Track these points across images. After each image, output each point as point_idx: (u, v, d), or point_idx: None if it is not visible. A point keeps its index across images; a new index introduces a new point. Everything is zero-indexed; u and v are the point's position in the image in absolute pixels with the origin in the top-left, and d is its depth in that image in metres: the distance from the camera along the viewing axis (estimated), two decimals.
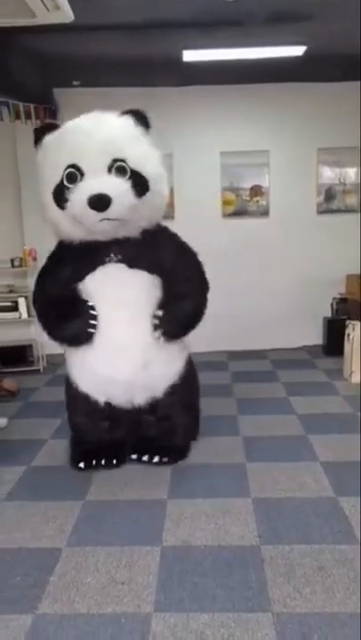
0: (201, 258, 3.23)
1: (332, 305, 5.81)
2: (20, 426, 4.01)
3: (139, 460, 3.27)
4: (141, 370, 3.11)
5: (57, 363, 5.02)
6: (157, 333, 3.09)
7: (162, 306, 3.11)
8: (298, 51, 4.48)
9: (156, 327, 3.08)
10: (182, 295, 3.13)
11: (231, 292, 5.57)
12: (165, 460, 3.24)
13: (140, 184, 2.87)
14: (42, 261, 3.32)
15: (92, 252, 3.02)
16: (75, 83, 5.23)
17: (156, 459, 3.25)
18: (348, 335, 4.91)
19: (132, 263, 3.05)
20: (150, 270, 3.09)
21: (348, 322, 5.04)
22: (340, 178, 5.79)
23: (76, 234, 2.96)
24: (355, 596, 2.09)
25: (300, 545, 2.43)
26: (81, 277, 3.08)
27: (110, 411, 3.22)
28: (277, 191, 5.79)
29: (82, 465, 3.20)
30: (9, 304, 5.47)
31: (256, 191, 5.81)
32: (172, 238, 3.24)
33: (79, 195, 2.77)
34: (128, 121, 2.96)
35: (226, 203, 5.82)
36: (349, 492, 2.87)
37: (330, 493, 2.88)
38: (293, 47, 4.42)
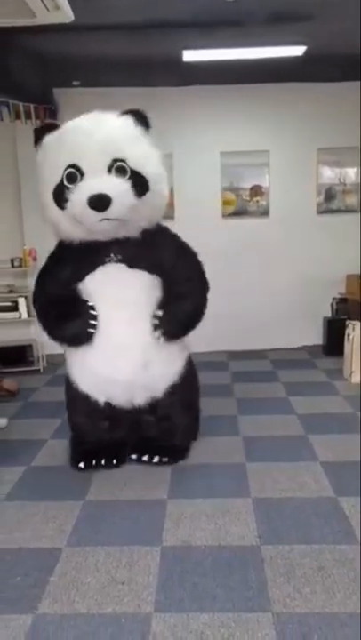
0: (201, 258, 3.23)
1: (332, 305, 5.81)
2: (20, 426, 4.02)
3: (138, 460, 3.27)
4: (141, 370, 3.11)
5: (57, 363, 5.02)
6: (157, 333, 3.09)
7: (162, 306, 3.11)
8: (298, 51, 4.48)
9: (156, 327, 3.08)
10: (182, 295, 3.13)
11: (231, 291, 5.57)
12: (165, 460, 3.25)
13: (140, 184, 2.87)
14: (42, 261, 3.32)
15: (92, 252, 3.02)
16: (75, 83, 5.23)
17: (155, 459, 3.25)
18: (348, 335, 4.91)
19: (131, 263, 3.05)
20: (150, 270, 3.09)
21: (348, 322, 5.04)
22: (340, 178, 5.79)
23: (75, 234, 2.96)
24: (355, 596, 2.09)
25: (301, 545, 2.43)
26: (81, 277, 3.08)
27: (110, 411, 3.22)
28: (277, 191, 5.79)
29: (82, 465, 3.20)
30: (9, 304, 5.47)
31: (256, 191, 5.81)
32: (172, 238, 3.24)
33: (79, 195, 2.77)
34: (128, 121, 2.96)
35: (226, 203, 5.82)
36: (349, 492, 2.87)
37: (330, 493, 2.88)
38: (293, 47, 4.42)
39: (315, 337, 5.90)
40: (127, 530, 2.61)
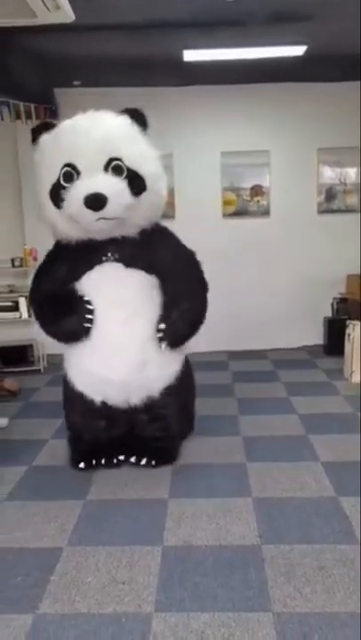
0: (201, 258, 3.22)
1: (332, 305, 5.81)
2: (21, 426, 4.02)
3: (126, 460, 3.24)
4: (137, 370, 3.09)
5: (58, 363, 4.98)
6: (163, 345, 3.09)
7: (163, 314, 3.09)
8: (298, 51, 4.48)
9: (161, 339, 3.08)
10: (182, 297, 3.11)
11: (232, 291, 5.57)
12: (153, 463, 3.21)
13: (136, 183, 2.87)
14: None
15: (90, 252, 3.01)
16: (75, 83, 5.24)
17: (143, 461, 3.22)
18: (349, 335, 4.91)
19: (128, 262, 3.04)
20: (147, 270, 3.08)
21: (348, 322, 5.04)
22: (340, 178, 5.79)
23: (72, 233, 2.96)
24: (355, 596, 2.09)
25: (301, 545, 2.43)
26: (78, 276, 3.08)
27: (106, 410, 3.20)
28: (278, 191, 5.79)
29: (82, 465, 3.20)
30: (9, 304, 5.47)
31: (257, 191, 5.81)
32: (171, 238, 3.23)
33: (75, 194, 2.77)
34: (125, 120, 2.95)
35: (226, 203, 5.82)
36: (350, 492, 2.87)
37: (330, 493, 2.88)
38: (294, 47, 4.42)
39: (315, 337, 5.90)
40: (128, 529, 2.61)
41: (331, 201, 5.82)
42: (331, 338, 5.60)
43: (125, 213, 2.86)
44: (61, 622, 2.02)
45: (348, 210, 5.82)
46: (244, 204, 5.83)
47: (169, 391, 3.22)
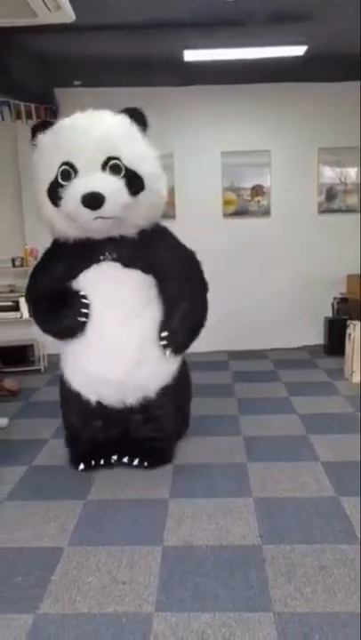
0: (202, 257, 3.22)
1: (332, 305, 5.81)
2: (21, 426, 4.02)
3: (119, 460, 3.23)
4: (134, 369, 3.08)
5: (58, 362, 5.01)
6: (167, 352, 3.09)
7: (165, 321, 3.09)
8: (299, 51, 4.48)
9: (165, 347, 3.08)
10: (182, 299, 3.10)
11: (232, 291, 5.58)
12: (146, 464, 3.19)
13: (134, 182, 2.86)
14: None
15: (87, 250, 3.00)
16: (76, 82, 5.24)
17: (136, 461, 3.20)
18: (349, 335, 4.91)
19: (127, 262, 3.03)
20: (145, 270, 3.07)
21: (348, 322, 5.04)
22: (340, 177, 5.79)
23: (70, 231, 2.95)
24: (355, 596, 2.09)
25: (302, 545, 2.43)
26: (75, 275, 3.07)
27: (102, 410, 3.18)
28: (278, 191, 5.79)
29: (82, 466, 3.19)
30: (10, 304, 5.47)
31: (257, 191, 5.81)
32: (170, 238, 3.22)
33: (73, 192, 2.76)
34: (124, 119, 2.94)
35: (227, 202, 5.82)
36: (350, 492, 2.87)
37: (331, 493, 2.88)
38: (294, 47, 4.42)
39: (316, 337, 5.90)
40: (129, 529, 2.61)
41: (331, 201, 5.82)
42: (331, 338, 5.61)
43: (123, 213, 2.85)
44: (62, 622, 2.02)
45: (349, 210, 5.82)
46: (244, 204, 5.83)
47: (165, 391, 3.20)
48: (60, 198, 2.82)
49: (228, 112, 5.64)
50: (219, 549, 2.42)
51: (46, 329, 3.19)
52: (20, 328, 5.57)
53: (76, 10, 2.95)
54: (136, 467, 3.19)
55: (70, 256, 3.06)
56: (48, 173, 2.87)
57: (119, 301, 3.05)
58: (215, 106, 5.60)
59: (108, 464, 3.22)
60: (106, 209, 2.77)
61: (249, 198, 5.82)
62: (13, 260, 5.45)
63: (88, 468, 3.19)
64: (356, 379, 4.74)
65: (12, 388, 4.70)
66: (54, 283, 3.09)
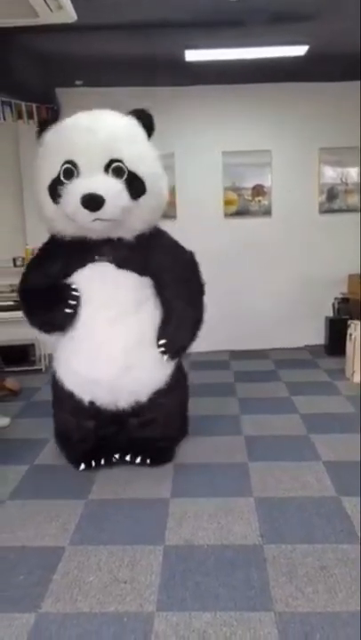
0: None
1: (333, 305, 5.80)
2: (23, 425, 4.02)
3: (121, 458, 3.23)
4: (124, 371, 3.04)
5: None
6: (166, 357, 3.09)
7: (162, 327, 3.08)
8: (300, 50, 4.48)
9: (163, 353, 3.07)
10: (179, 303, 3.09)
11: (233, 291, 5.58)
12: (148, 461, 3.19)
13: (136, 185, 2.86)
14: None
15: (84, 249, 2.99)
16: (77, 82, 5.24)
17: (138, 459, 3.20)
18: (350, 335, 4.91)
19: (121, 264, 3.01)
20: (141, 272, 3.05)
21: (349, 322, 5.04)
22: (341, 177, 5.79)
23: (68, 230, 2.95)
24: (357, 596, 2.09)
25: (303, 544, 2.43)
26: (69, 273, 3.06)
27: (95, 410, 3.16)
28: (279, 191, 5.79)
29: (82, 466, 3.19)
30: (11, 303, 5.46)
31: (258, 191, 5.81)
32: (166, 240, 3.19)
33: (73, 192, 2.76)
34: (130, 121, 2.95)
35: (228, 202, 5.83)
36: (352, 492, 2.87)
37: (332, 493, 2.88)
38: (295, 47, 4.42)
39: (317, 337, 5.90)
40: (130, 529, 2.61)
41: (332, 201, 5.82)
42: (332, 338, 5.60)
43: (122, 215, 2.84)
44: (63, 621, 2.02)
45: (350, 209, 5.82)
46: (245, 204, 5.83)
47: (158, 396, 3.17)
48: (59, 196, 2.82)
49: (229, 112, 5.65)
50: (220, 549, 2.42)
51: (33, 321, 3.17)
52: (21, 328, 5.53)
53: (77, 9, 2.96)
54: (139, 464, 3.19)
55: (66, 254, 3.05)
56: (50, 171, 2.87)
57: (112, 302, 3.03)
58: (216, 106, 5.60)
59: (109, 463, 3.22)
60: (105, 211, 2.76)
61: (250, 198, 5.82)
62: (14, 260, 5.45)
63: (89, 467, 3.19)
64: (356, 378, 4.74)
65: (13, 388, 4.71)
66: (47, 278, 3.08)
